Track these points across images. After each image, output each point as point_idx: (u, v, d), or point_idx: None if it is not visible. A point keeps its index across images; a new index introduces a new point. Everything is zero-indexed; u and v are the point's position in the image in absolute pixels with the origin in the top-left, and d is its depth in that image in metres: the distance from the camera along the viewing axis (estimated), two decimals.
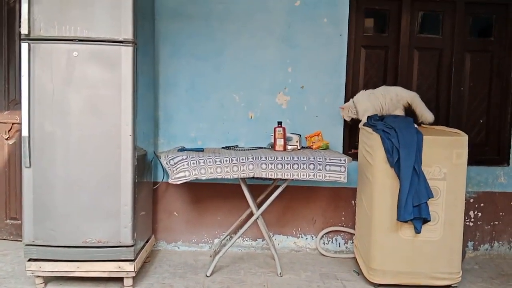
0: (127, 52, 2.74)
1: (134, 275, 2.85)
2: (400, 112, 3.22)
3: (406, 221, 2.83)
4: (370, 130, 3.00)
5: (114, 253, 2.82)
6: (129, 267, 2.83)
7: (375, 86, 3.54)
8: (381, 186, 2.88)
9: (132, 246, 2.83)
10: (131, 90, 2.77)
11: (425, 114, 3.22)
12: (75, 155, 2.79)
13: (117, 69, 2.75)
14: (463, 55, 3.60)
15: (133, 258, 2.84)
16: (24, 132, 2.76)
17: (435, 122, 3.39)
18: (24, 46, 2.73)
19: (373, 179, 2.93)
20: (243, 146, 3.51)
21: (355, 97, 3.31)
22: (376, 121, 3.04)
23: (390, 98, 3.20)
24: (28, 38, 2.73)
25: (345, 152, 3.54)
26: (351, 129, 3.58)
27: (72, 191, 2.79)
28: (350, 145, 3.59)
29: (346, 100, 3.50)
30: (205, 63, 3.50)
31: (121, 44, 2.74)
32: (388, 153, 2.82)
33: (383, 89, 3.27)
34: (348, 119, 3.35)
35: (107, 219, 2.81)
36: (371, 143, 2.96)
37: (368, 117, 3.19)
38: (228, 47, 3.50)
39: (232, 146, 3.45)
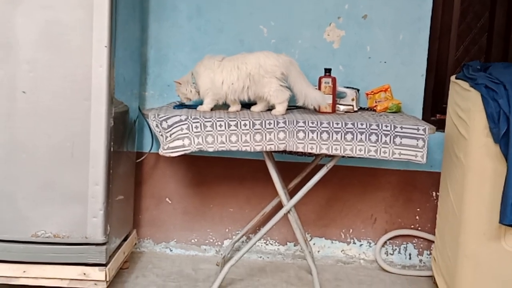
0: None
1: (105, 286, 2.89)
2: (271, 88, 3.06)
3: None
4: (466, 85, 2.94)
5: (77, 253, 2.86)
6: (98, 274, 2.87)
7: (477, 17, 3.44)
8: (478, 171, 2.84)
9: (103, 244, 2.87)
10: (107, 13, 2.75)
11: (310, 92, 3.07)
12: (23, 109, 2.80)
13: None
14: None
15: (104, 262, 2.88)
16: None
17: None
18: None
19: (466, 160, 2.89)
20: None
21: (196, 67, 3.20)
22: (477, 72, 2.97)
23: (247, 72, 3.07)
24: None
25: (425, 117, 3.52)
26: (437, 83, 3.56)
27: (16, 162, 2.82)
28: (434, 107, 3.57)
29: (432, 39, 3.48)
30: None
31: None
32: (492, 121, 2.76)
33: (242, 57, 3.13)
34: (185, 100, 3.24)
35: (68, 204, 2.83)
36: (466, 105, 2.92)
37: (464, 64, 3.13)
38: None
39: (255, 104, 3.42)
